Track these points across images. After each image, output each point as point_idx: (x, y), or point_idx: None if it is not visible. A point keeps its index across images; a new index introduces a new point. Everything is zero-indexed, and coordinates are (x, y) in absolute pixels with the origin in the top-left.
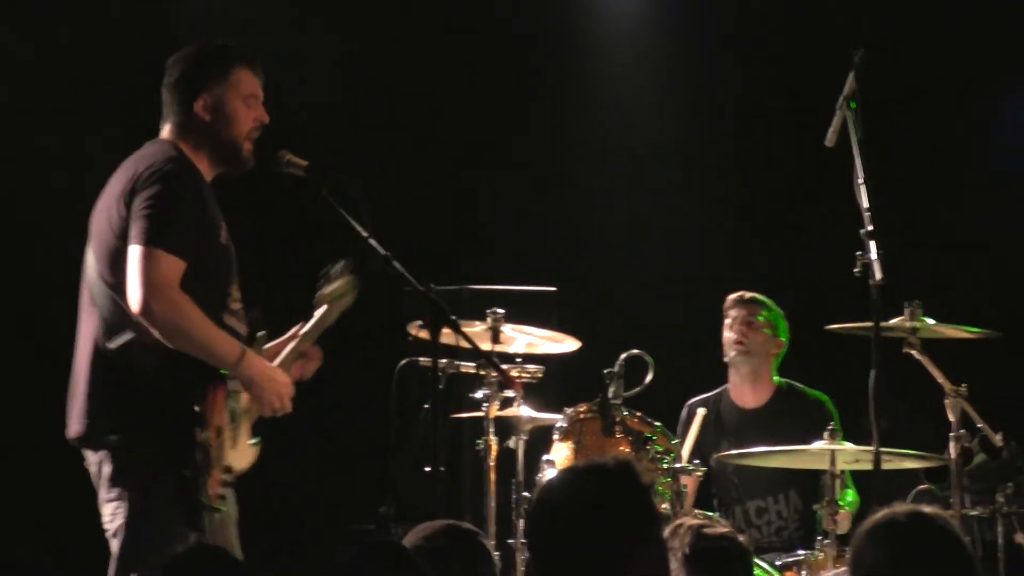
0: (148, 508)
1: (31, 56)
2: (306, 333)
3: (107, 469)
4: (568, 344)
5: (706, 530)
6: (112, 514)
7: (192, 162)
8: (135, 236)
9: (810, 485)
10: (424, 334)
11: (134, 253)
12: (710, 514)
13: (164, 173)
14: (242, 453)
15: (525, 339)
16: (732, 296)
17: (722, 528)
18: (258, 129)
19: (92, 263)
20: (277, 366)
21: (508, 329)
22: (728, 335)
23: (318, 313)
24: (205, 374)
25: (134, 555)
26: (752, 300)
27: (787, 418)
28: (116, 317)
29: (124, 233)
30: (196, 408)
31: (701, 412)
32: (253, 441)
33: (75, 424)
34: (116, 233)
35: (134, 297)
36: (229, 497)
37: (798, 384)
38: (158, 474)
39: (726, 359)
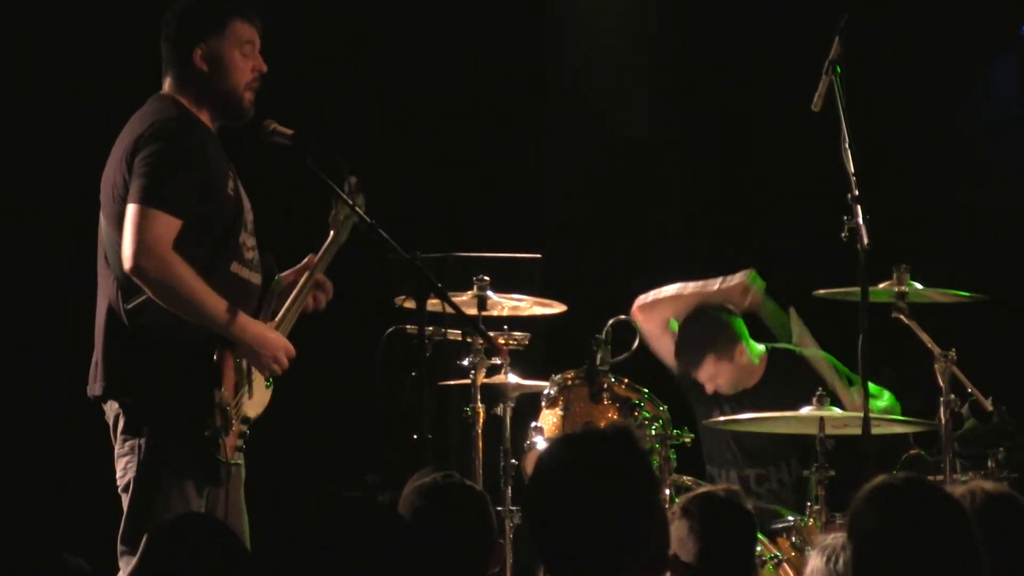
0: (159, 464)
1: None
2: (320, 258)
3: (121, 422)
4: (554, 307)
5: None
6: (124, 468)
7: (194, 115)
8: (132, 195)
9: (812, 452)
10: (410, 305)
11: (130, 212)
12: (700, 481)
13: (164, 131)
14: (258, 400)
15: (511, 304)
16: (674, 362)
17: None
18: (258, 79)
19: (104, 226)
20: (287, 311)
21: (494, 295)
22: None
23: (331, 236)
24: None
25: (142, 511)
26: (688, 357)
27: (783, 385)
28: (127, 278)
29: (127, 194)
30: (213, 367)
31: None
32: (267, 384)
33: (95, 382)
34: (120, 195)
35: (126, 255)
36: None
37: (787, 346)
38: (171, 431)
39: None
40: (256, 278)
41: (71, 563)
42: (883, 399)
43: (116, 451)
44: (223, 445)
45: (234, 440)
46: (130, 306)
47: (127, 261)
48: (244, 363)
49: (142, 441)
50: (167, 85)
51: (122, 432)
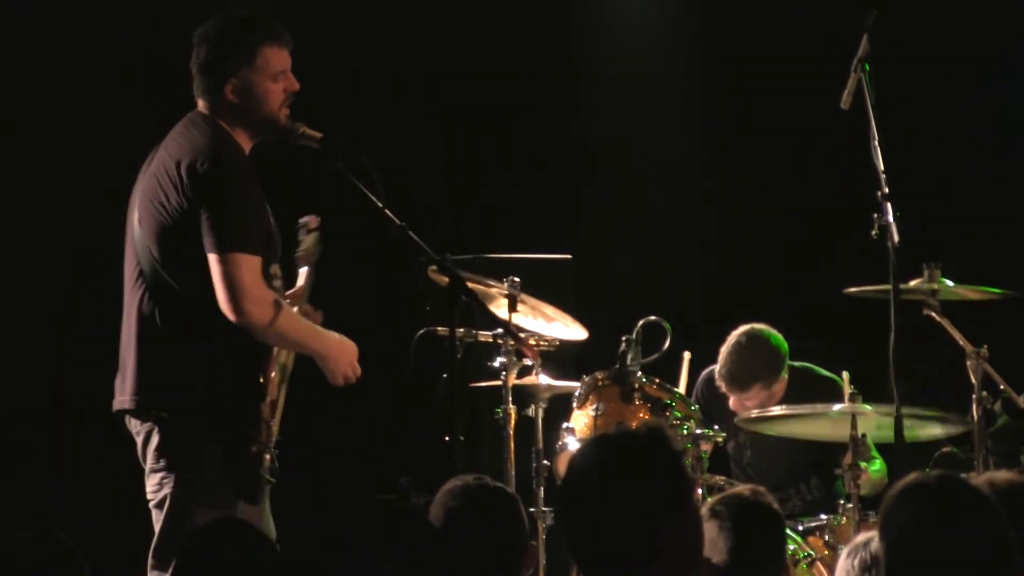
0: (197, 480)
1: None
2: (302, 295)
3: (156, 439)
4: (575, 330)
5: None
6: (159, 484)
7: (235, 140)
8: (212, 245)
9: (828, 467)
10: (443, 280)
11: (216, 263)
12: (732, 481)
13: (225, 169)
14: (279, 419)
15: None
16: (718, 372)
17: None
18: (291, 97)
19: (140, 236)
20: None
21: (523, 311)
22: (730, 403)
23: (303, 273)
24: (263, 350)
25: (179, 527)
26: (740, 380)
27: (801, 402)
28: (167, 292)
29: (181, 217)
30: (260, 383)
31: (687, 355)
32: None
33: (125, 396)
34: (171, 215)
35: (227, 306)
36: None
37: (808, 365)
38: (210, 446)
39: None
40: None
41: (63, 540)
42: (875, 464)
43: (149, 466)
44: (265, 460)
45: (270, 455)
46: (175, 324)
47: (229, 310)
48: (276, 384)
49: (180, 456)
50: (202, 105)
51: (157, 448)
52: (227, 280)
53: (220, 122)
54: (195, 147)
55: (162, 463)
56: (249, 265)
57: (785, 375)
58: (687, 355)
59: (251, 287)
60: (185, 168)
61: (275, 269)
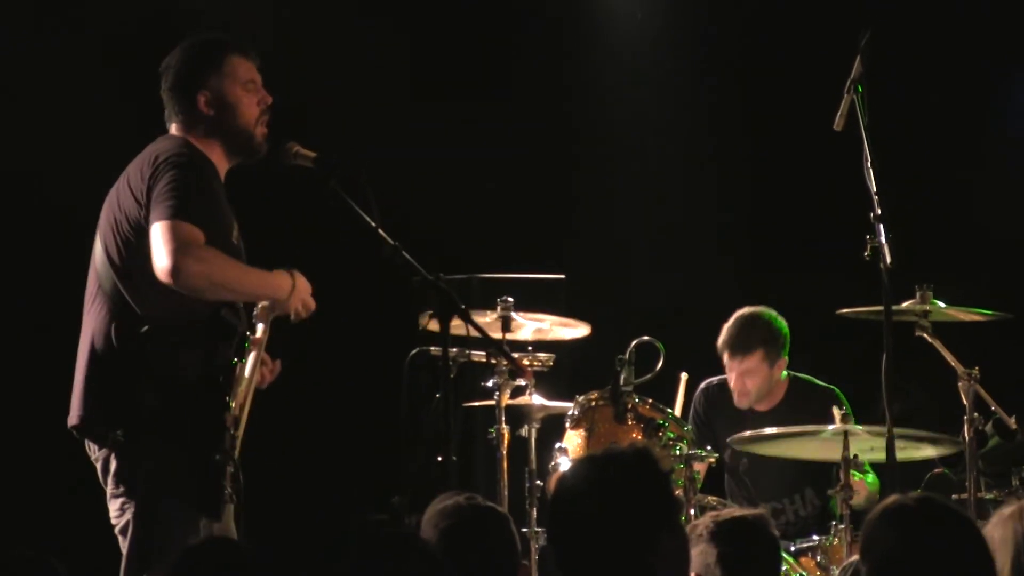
0: (158, 504)
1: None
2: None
3: (114, 464)
4: (579, 329)
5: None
6: (120, 510)
7: (206, 155)
8: (156, 215)
9: (825, 480)
10: (434, 325)
11: (155, 230)
12: (725, 501)
13: (180, 163)
14: (241, 435)
15: (535, 325)
16: (722, 340)
17: (739, 510)
18: (267, 112)
19: (100, 254)
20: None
21: (518, 317)
22: (730, 381)
23: (260, 327)
24: (224, 363)
25: (145, 553)
26: (744, 350)
27: (798, 414)
28: (125, 308)
29: (140, 224)
30: (221, 394)
31: (684, 376)
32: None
33: (76, 414)
34: (132, 224)
35: (162, 265)
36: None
37: (806, 376)
38: (168, 466)
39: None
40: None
41: (58, 569)
42: (869, 476)
43: (109, 491)
44: (228, 471)
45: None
46: (129, 339)
47: (165, 271)
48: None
49: (139, 481)
50: (174, 128)
51: (115, 473)
52: (163, 240)
53: (192, 139)
54: (159, 152)
55: (122, 488)
56: (189, 229)
57: (786, 358)
58: (684, 376)
59: (188, 244)
60: (148, 170)
61: None
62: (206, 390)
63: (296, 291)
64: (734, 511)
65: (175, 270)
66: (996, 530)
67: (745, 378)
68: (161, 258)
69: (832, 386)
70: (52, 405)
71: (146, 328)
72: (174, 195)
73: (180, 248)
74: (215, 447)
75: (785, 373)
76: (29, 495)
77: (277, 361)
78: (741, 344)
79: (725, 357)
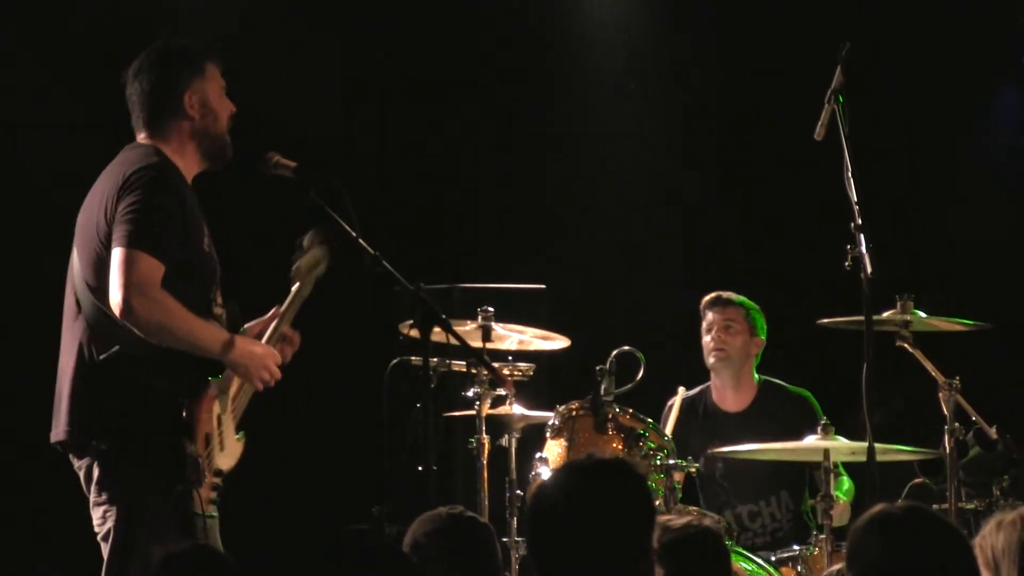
0: (138, 511)
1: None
2: (285, 311)
3: (96, 472)
4: (557, 342)
5: (671, 522)
6: (102, 517)
7: (175, 164)
8: (116, 239)
9: (800, 484)
10: (415, 333)
11: (115, 256)
12: (706, 511)
13: (148, 179)
14: (229, 452)
15: (516, 337)
16: (707, 298)
17: (688, 517)
18: (232, 119)
19: (78, 268)
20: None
21: (499, 327)
22: (707, 340)
23: (294, 289)
24: (192, 384)
25: (124, 559)
26: (728, 302)
27: (770, 418)
28: (101, 324)
29: (108, 240)
30: (183, 419)
31: (681, 391)
32: (238, 436)
33: (59, 429)
34: (101, 240)
35: (115, 298)
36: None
37: (778, 381)
38: (149, 475)
39: (707, 364)
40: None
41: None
42: (843, 484)
43: (92, 499)
44: (197, 498)
45: (208, 493)
46: (102, 356)
47: (117, 304)
48: (215, 416)
49: (120, 489)
50: (143, 136)
51: (98, 481)
52: (119, 273)
53: (163, 147)
54: (127, 166)
55: (104, 496)
56: (147, 264)
57: (763, 339)
58: (681, 390)
59: (141, 284)
60: (115, 186)
61: (215, 295)
62: (169, 420)
63: (254, 360)
64: (682, 519)
65: (126, 308)
66: (996, 537)
67: (726, 332)
68: (115, 291)
69: (804, 390)
70: (36, 415)
71: (118, 349)
72: (136, 220)
73: (135, 286)
74: (175, 478)
75: (757, 376)
76: (17, 505)
77: (297, 333)
78: (725, 299)
79: (708, 315)
